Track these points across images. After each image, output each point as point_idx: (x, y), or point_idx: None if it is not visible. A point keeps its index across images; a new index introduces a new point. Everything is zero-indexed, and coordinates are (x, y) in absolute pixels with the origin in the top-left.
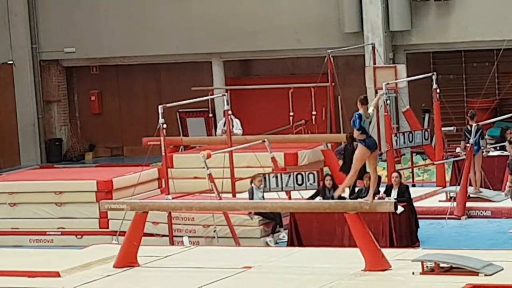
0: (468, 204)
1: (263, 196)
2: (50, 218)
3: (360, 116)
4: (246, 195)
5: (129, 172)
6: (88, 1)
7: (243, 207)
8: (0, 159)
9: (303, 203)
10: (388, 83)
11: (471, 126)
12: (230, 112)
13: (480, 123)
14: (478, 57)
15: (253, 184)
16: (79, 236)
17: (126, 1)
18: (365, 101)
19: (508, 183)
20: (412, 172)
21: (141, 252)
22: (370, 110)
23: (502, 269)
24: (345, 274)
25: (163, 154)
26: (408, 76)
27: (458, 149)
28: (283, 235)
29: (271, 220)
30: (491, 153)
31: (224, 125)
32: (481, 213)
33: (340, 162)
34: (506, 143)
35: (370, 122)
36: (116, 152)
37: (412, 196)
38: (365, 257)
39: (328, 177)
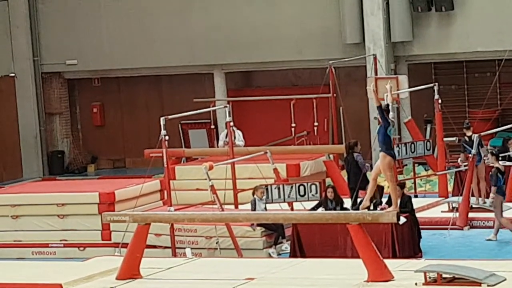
0: (471, 215)
1: (265, 208)
2: (52, 231)
3: (389, 124)
4: (248, 206)
5: (131, 184)
6: (90, 13)
7: (245, 218)
8: (2, 171)
9: (306, 214)
10: None
11: (469, 137)
12: (232, 123)
13: (482, 133)
14: (480, 67)
15: (255, 196)
16: (81, 248)
17: (127, 13)
18: (388, 109)
19: (491, 194)
20: (414, 182)
21: (143, 264)
22: (389, 101)
23: (505, 280)
24: (348, 285)
25: (165, 166)
26: (409, 87)
27: (459, 160)
28: (286, 246)
29: (274, 232)
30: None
31: (226, 137)
32: (484, 223)
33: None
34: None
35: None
36: (118, 164)
37: (415, 206)
38: (368, 268)
39: (330, 188)
